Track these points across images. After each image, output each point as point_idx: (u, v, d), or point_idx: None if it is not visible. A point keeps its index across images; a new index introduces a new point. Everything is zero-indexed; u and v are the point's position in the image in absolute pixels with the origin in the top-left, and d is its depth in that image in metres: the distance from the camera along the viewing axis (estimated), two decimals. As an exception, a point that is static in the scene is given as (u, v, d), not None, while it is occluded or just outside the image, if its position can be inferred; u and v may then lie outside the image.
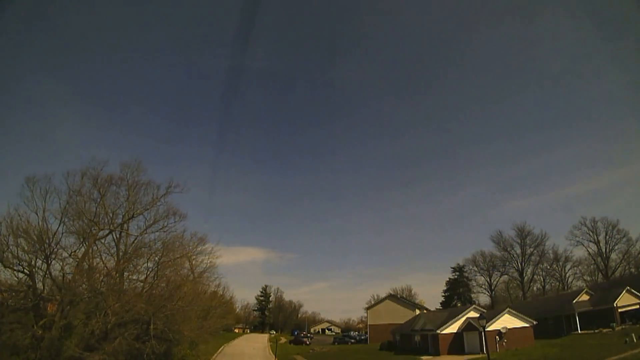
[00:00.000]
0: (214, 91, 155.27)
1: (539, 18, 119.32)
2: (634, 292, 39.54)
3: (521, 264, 79.36)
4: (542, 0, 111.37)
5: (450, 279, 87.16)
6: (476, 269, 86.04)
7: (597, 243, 71.06)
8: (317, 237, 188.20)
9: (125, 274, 27.99)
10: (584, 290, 45.48)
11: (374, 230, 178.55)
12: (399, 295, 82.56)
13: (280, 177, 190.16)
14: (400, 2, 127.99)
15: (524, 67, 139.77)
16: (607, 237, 69.90)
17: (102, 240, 27.60)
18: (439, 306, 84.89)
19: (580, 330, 39.08)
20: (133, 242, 29.72)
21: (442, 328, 36.47)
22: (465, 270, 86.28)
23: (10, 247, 21.56)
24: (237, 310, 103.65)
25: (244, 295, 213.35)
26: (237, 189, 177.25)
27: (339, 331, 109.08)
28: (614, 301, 38.45)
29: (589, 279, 74.17)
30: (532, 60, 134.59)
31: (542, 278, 79.71)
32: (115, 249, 28.86)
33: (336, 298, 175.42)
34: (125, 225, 29.17)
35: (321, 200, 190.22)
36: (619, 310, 38.33)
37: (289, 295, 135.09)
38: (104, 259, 27.78)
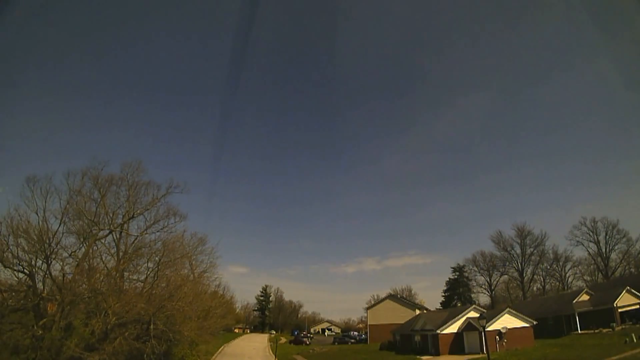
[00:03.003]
0: (215, 89, 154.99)
1: (539, 18, 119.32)
2: (634, 292, 39.53)
3: (521, 264, 79.49)
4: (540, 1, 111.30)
5: (450, 279, 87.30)
6: (476, 269, 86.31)
7: (597, 243, 71.20)
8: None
9: (125, 274, 28.06)
10: (584, 290, 45.49)
11: (374, 231, 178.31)
12: (399, 295, 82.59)
13: (280, 179, 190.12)
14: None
15: (523, 67, 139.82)
16: (607, 237, 70.08)
17: (102, 240, 27.70)
18: (439, 306, 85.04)
19: (580, 330, 39.10)
20: (133, 242, 29.85)
21: (442, 328, 36.49)
22: (465, 270, 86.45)
23: (10, 247, 21.55)
24: (237, 310, 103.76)
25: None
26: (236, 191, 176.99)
27: (339, 331, 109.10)
28: (614, 301, 38.44)
29: (589, 279, 74.31)
30: (531, 60, 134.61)
31: (542, 278, 79.91)
32: (115, 249, 28.95)
33: (336, 299, 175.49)
34: (125, 225, 29.24)
35: (321, 202, 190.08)
36: (619, 310, 38.32)
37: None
38: (104, 259, 27.90)
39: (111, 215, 28.10)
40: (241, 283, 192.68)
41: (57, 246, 23.48)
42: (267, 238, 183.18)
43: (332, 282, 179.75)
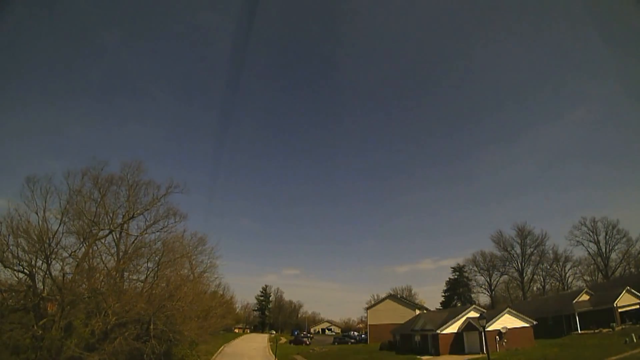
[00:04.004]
0: (216, 89, 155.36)
1: (542, 21, 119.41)
2: (634, 292, 39.50)
3: (521, 264, 79.44)
4: (543, 3, 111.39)
5: (450, 279, 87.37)
6: (476, 269, 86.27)
7: (597, 243, 71.17)
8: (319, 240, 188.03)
9: (125, 274, 28.06)
10: (584, 290, 45.47)
11: (374, 232, 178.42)
12: (399, 295, 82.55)
13: (280, 181, 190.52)
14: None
15: (523, 69, 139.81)
16: (607, 237, 70.06)
17: (102, 240, 27.65)
18: (439, 306, 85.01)
19: (580, 330, 39.07)
20: (133, 242, 29.82)
21: (442, 328, 36.47)
22: (465, 270, 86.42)
23: (10, 247, 21.51)
24: (237, 310, 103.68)
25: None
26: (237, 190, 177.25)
27: (339, 331, 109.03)
28: (614, 301, 38.41)
29: (589, 279, 74.28)
30: (531, 62, 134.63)
31: (542, 278, 79.91)
32: (115, 249, 28.92)
33: (336, 298, 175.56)
34: (125, 225, 29.22)
35: (321, 204, 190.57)
36: (619, 310, 38.28)
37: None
38: (104, 259, 27.88)
39: (111, 215, 28.09)
40: (291, 286, 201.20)
41: (57, 246, 23.45)
42: (318, 239, 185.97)
43: (381, 281, 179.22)
